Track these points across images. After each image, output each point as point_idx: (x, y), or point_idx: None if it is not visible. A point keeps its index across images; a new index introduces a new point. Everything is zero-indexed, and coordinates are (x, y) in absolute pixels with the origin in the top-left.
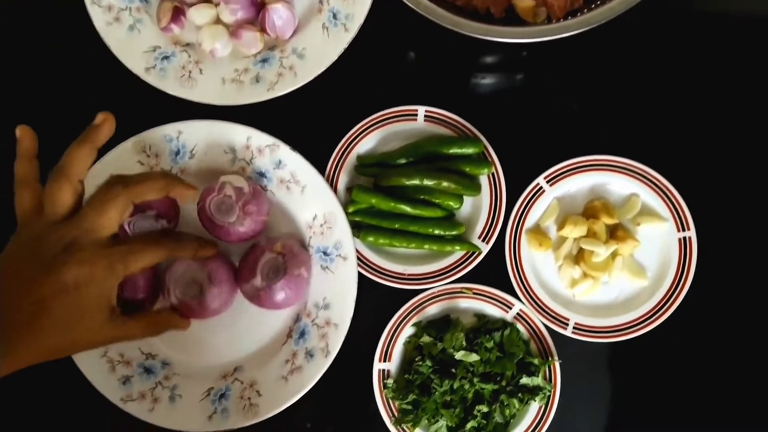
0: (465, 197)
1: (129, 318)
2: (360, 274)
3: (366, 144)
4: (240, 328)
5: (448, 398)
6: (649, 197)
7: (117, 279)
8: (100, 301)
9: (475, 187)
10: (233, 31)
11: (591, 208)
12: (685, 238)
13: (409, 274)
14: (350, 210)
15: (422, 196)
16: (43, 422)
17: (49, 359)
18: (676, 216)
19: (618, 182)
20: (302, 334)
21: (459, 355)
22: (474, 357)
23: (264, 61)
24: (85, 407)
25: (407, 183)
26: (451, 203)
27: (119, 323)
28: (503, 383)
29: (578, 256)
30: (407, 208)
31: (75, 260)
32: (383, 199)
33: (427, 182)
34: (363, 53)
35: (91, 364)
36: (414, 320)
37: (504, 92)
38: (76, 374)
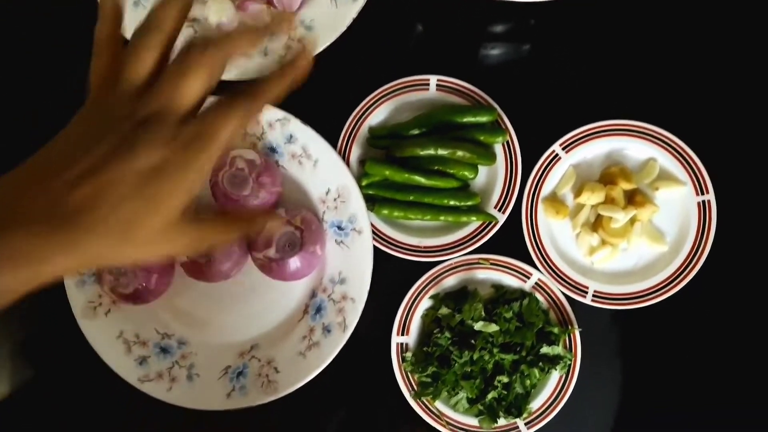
0: (480, 167)
1: (207, 219)
2: (375, 248)
3: (378, 116)
4: (255, 306)
5: (468, 369)
6: (666, 161)
7: (200, 165)
8: (177, 192)
9: (489, 156)
10: (239, 4)
11: (608, 174)
12: (704, 201)
13: (425, 247)
14: (364, 183)
15: (436, 167)
16: (60, 406)
17: (96, 265)
18: (694, 179)
19: (635, 147)
20: (318, 309)
21: (478, 326)
22: (493, 327)
23: (272, 33)
24: (102, 389)
25: (421, 153)
26: (466, 173)
27: (194, 225)
28: (523, 353)
29: (596, 223)
30: (422, 179)
31: (145, 143)
32: (397, 170)
33: (442, 152)
34: (372, 23)
35: (107, 346)
36: (431, 293)
37: (516, 59)
38: (92, 356)
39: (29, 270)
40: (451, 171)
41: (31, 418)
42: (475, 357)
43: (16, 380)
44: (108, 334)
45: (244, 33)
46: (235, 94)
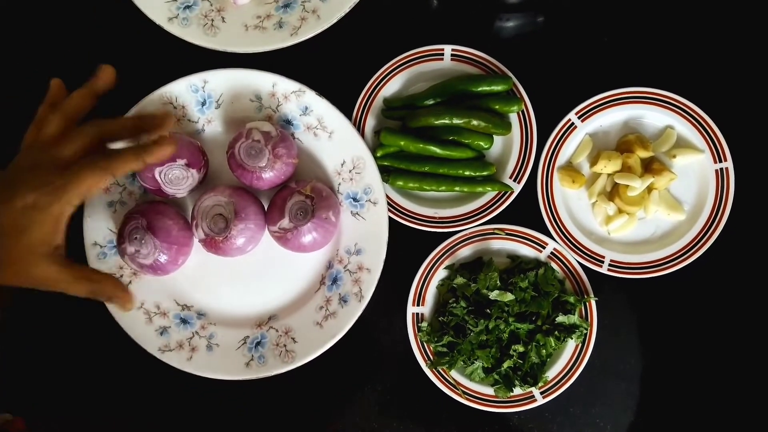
0: (495, 137)
1: (69, 266)
2: (391, 219)
3: (392, 86)
4: (273, 278)
5: (484, 338)
6: (684, 129)
7: (60, 207)
8: (44, 230)
9: (505, 126)
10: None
11: (625, 143)
12: (722, 169)
13: (440, 217)
14: (379, 154)
15: (451, 137)
16: (81, 373)
17: None
18: (712, 147)
19: (652, 115)
20: (335, 280)
21: (493, 295)
22: (509, 296)
23: (286, 6)
24: (123, 359)
25: (436, 123)
26: (481, 143)
27: (57, 265)
28: (539, 322)
29: (612, 192)
30: (437, 149)
31: (27, 183)
32: (412, 140)
33: (457, 121)
34: None
35: (128, 316)
36: (446, 263)
37: (531, 28)
38: (114, 326)
39: None
40: (466, 141)
41: (53, 387)
42: (490, 326)
43: None
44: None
45: (128, 120)
46: (98, 159)
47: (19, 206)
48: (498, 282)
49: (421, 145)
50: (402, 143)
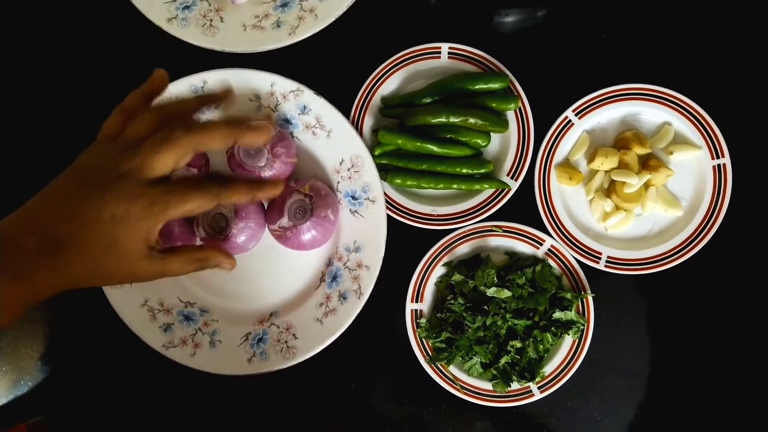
0: (493, 134)
1: (169, 254)
2: (389, 217)
3: (390, 85)
4: (274, 275)
5: (481, 335)
6: (682, 125)
7: (155, 221)
8: (135, 239)
9: (502, 123)
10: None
11: (622, 139)
12: (719, 165)
13: (438, 215)
14: (377, 152)
15: (449, 135)
16: (85, 369)
17: (80, 287)
18: (710, 143)
19: (649, 111)
20: (335, 277)
21: (491, 291)
22: (506, 293)
23: (284, 5)
24: (127, 356)
25: (433, 121)
26: (478, 141)
27: (157, 260)
28: (536, 318)
29: (610, 189)
30: (434, 148)
31: (114, 195)
32: (409, 139)
33: (454, 119)
34: None
35: (132, 314)
36: (444, 260)
37: (528, 25)
38: (119, 323)
39: (27, 287)
40: (464, 139)
41: (61, 385)
42: (488, 322)
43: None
44: (133, 303)
45: (221, 130)
46: (210, 183)
47: (107, 217)
48: (495, 279)
49: (419, 144)
50: (400, 142)
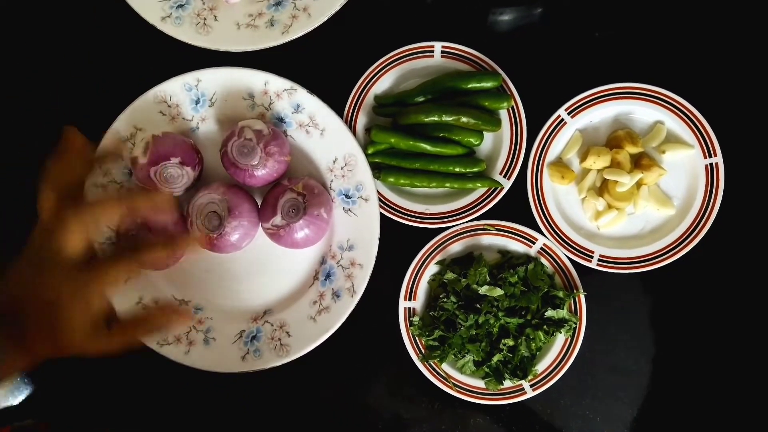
0: (485, 133)
1: (115, 330)
2: (382, 215)
3: (383, 83)
4: (267, 273)
5: (474, 333)
6: (674, 124)
7: (87, 301)
8: (76, 319)
9: (494, 122)
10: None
11: (614, 138)
12: (712, 164)
13: (431, 213)
14: (370, 151)
15: (442, 134)
16: (84, 369)
17: (42, 360)
18: (702, 142)
19: (642, 110)
20: (328, 275)
21: (483, 290)
22: (498, 291)
23: (277, 4)
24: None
25: (426, 120)
26: (471, 140)
27: (102, 338)
28: (528, 317)
29: (602, 188)
30: (427, 146)
31: (48, 283)
32: (402, 137)
33: (446, 118)
34: None
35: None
36: (437, 258)
37: (522, 24)
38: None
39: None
40: (457, 138)
41: (56, 381)
42: (480, 321)
43: None
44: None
45: (112, 205)
46: (122, 255)
47: (48, 300)
48: (487, 277)
49: (412, 142)
50: (393, 140)
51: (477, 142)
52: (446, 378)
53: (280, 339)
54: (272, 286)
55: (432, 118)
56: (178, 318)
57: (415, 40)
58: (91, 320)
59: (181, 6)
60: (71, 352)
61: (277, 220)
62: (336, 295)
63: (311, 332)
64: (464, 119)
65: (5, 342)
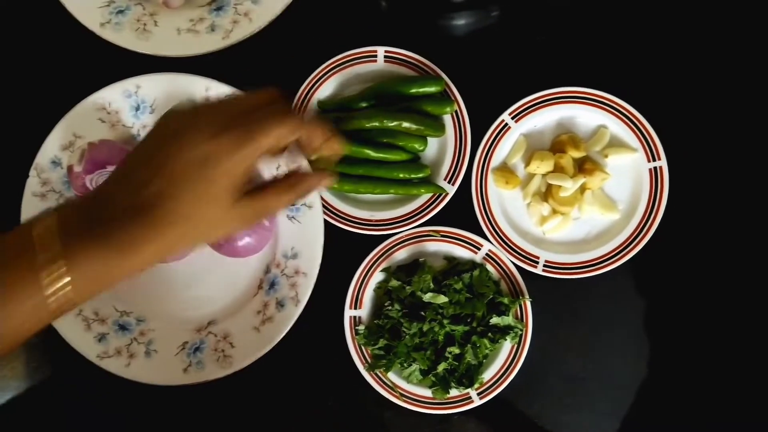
0: (431, 139)
1: (259, 192)
2: (327, 222)
3: (326, 89)
4: (212, 283)
5: (419, 341)
6: (618, 128)
7: (244, 156)
8: (226, 179)
9: (438, 127)
10: None
11: (558, 143)
12: (656, 168)
13: (376, 220)
14: (313, 157)
15: (385, 140)
16: (24, 382)
17: (175, 252)
18: (646, 146)
19: (585, 114)
20: (272, 284)
21: (427, 297)
22: (442, 299)
23: (219, 9)
24: (61, 365)
25: (368, 125)
26: (415, 145)
27: (251, 200)
28: (474, 324)
29: (547, 193)
30: (370, 152)
31: (201, 136)
32: (345, 143)
33: (388, 123)
34: None
35: (66, 323)
36: (383, 266)
37: (465, 28)
38: (52, 333)
39: (130, 258)
40: (401, 143)
41: None
42: (425, 328)
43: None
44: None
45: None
46: (290, 114)
47: (197, 157)
48: (431, 284)
49: (355, 148)
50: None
51: (421, 148)
52: (393, 387)
53: (223, 350)
54: (216, 296)
55: (373, 124)
56: (318, 181)
57: (359, 45)
58: (241, 181)
59: (121, 11)
60: (211, 225)
61: None
62: (280, 304)
63: (255, 343)
64: (406, 124)
65: (143, 231)
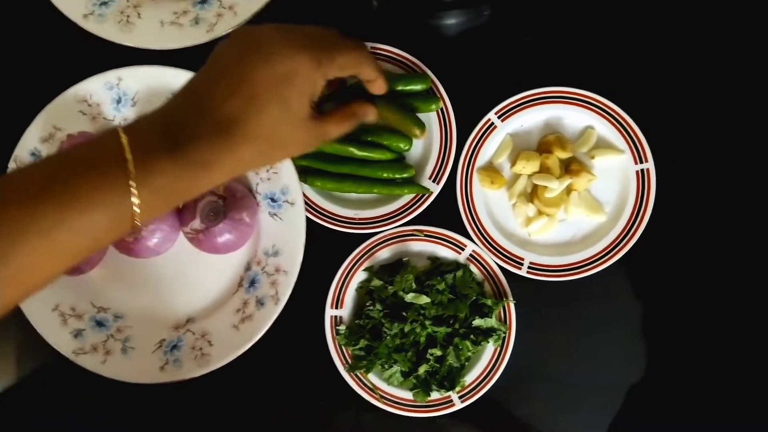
0: (416, 139)
1: (325, 116)
2: (310, 220)
3: None
4: (191, 279)
5: (400, 342)
6: (605, 129)
7: (322, 74)
8: (305, 96)
9: (417, 122)
10: None
11: (545, 143)
12: (643, 170)
13: (359, 219)
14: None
15: (370, 138)
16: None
17: (255, 167)
18: (633, 147)
19: (572, 115)
20: (253, 282)
21: (409, 297)
22: (424, 299)
23: (203, 2)
24: (37, 361)
25: None
26: (400, 144)
27: (320, 122)
28: (456, 326)
29: (532, 193)
30: (354, 150)
31: (285, 53)
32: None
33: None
34: None
35: (42, 318)
36: (366, 265)
37: (455, 28)
38: (28, 328)
39: (203, 177)
40: (385, 142)
41: None
42: (406, 329)
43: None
44: (44, 307)
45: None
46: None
47: (281, 74)
48: (413, 284)
49: (339, 146)
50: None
51: (406, 147)
52: (373, 389)
53: (201, 348)
54: (196, 293)
55: None
56: (371, 110)
57: None
58: (315, 99)
59: (104, 3)
60: (286, 141)
61: (196, 223)
62: (260, 302)
63: (234, 341)
64: (385, 114)
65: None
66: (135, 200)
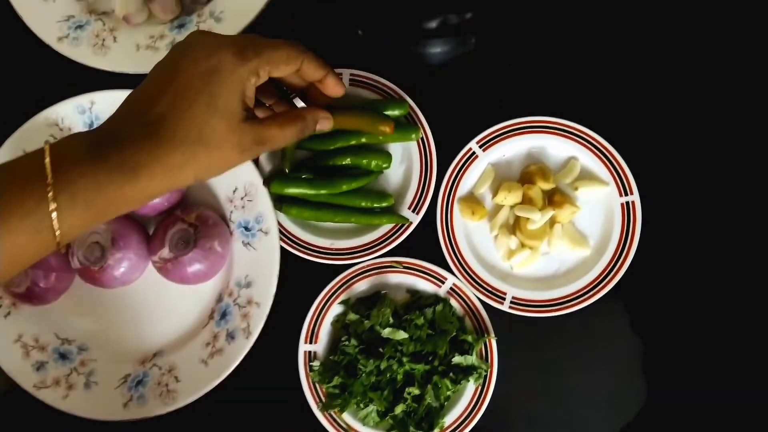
0: (394, 166)
1: (266, 119)
2: (284, 250)
3: None
4: (161, 312)
5: (376, 379)
6: (588, 160)
7: (248, 70)
8: (232, 94)
9: (385, 120)
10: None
11: (527, 174)
12: (628, 202)
13: (336, 249)
14: (287, 169)
15: (349, 158)
16: None
17: (177, 186)
18: (618, 180)
19: (556, 145)
20: (224, 314)
21: (385, 332)
22: (402, 334)
23: (181, 26)
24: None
25: (332, 147)
26: (380, 162)
27: (257, 125)
28: (435, 363)
29: (515, 225)
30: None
31: (206, 50)
32: (307, 186)
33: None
34: (283, 14)
35: (3, 349)
36: (342, 298)
37: (438, 57)
38: None
39: (132, 183)
40: (364, 161)
41: None
42: (382, 366)
43: None
44: (5, 337)
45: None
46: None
47: (202, 71)
48: (391, 318)
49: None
50: (294, 190)
51: (386, 165)
52: (347, 430)
53: (167, 384)
54: (164, 326)
55: (337, 145)
56: (324, 116)
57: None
58: (247, 98)
59: (80, 26)
60: (218, 146)
61: (165, 252)
62: (231, 336)
63: (201, 377)
64: (356, 120)
65: (148, 157)
66: (53, 204)
